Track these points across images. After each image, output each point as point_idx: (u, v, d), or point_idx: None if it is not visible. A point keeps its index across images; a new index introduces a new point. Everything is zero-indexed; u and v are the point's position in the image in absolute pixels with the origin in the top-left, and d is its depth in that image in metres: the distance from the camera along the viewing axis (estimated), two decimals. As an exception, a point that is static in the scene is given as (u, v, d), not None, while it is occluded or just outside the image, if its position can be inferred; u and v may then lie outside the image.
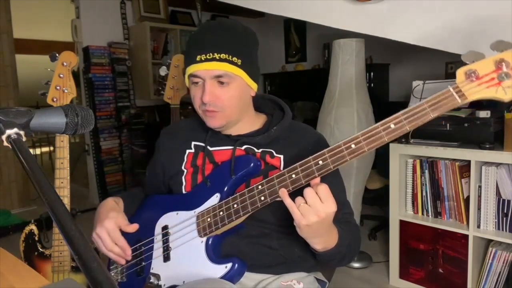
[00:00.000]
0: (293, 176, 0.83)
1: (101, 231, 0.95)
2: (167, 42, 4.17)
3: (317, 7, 1.81)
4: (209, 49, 0.91)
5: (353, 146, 0.79)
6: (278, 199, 0.85)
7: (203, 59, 0.91)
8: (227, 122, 0.98)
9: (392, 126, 0.78)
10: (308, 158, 0.83)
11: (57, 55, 1.37)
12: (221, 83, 0.93)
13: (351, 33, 1.80)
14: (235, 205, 0.89)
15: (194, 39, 0.97)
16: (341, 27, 1.77)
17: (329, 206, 0.79)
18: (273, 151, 0.99)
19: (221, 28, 0.96)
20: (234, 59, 0.92)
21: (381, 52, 3.74)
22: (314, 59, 4.68)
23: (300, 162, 0.83)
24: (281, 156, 0.98)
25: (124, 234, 1.10)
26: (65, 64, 1.38)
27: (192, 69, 0.94)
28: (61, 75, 1.37)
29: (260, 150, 0.99)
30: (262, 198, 0.86)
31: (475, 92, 0.75)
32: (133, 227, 0.99)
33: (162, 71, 1.90)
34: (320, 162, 0.81)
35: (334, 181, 0.82)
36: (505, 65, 0.74)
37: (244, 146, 1.00)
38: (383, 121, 0.79)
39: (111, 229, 0.95)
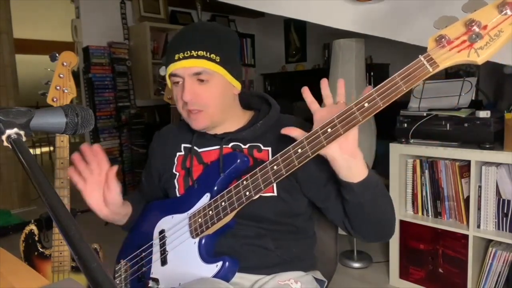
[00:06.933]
0: (275, 167, 0.83)
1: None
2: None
3: (317, 7, 1.81)
4: (187, 47, 0.91)
5: (329, 130, 0.78)
6: (262, 193, 0.86)
7: (181, 57, 0.91)
8: (211, 122, 0.96)
9: (366, 104, 0.76)
10: (288, 148, 0.82)
11: (57, 55, 1.37)
12: (201, 81, 0.92)
13: (351, 33, 1.80)
14: (223, 203, 0.89)
15: (173, 41, 0.96)
16: (341, 27, 1.76)
17: None
18: (260, 144, 0.98)
19: (199, 28, 0.97)
20: (212, 56, 0.91)
21: (381, 52, 3.74)
22: (314, 59, 4.68)
23: (281, 153, 0.83)
24: (269, 149, 0.97)
25: (127, 241, 1.11)
26: (65, 64, 1.38)
27: (171, 68, 0.93)
28: (61, 75, 1.37)
29: (247, 146, 0.98)
30: (247, 193, 0.86)
31: (446, 58, 0.71)
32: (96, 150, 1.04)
33: (162, 71, 1.90)
34: (299, 151, 0.80)
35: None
36: (476, 26, 0.68)
37: (231, 144, 0.99)
38: (357, 101, 0.77)
39: None
